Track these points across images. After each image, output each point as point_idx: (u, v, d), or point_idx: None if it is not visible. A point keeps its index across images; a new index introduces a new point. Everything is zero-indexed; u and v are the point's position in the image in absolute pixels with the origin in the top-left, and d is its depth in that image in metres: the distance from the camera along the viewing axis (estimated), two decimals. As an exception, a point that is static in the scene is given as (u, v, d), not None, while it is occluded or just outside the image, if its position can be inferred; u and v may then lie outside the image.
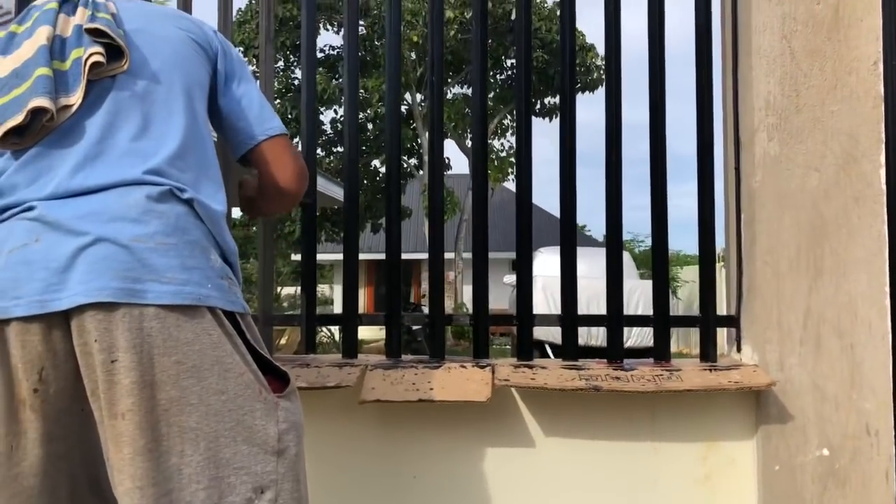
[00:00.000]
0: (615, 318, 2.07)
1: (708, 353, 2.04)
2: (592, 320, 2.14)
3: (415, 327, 16.31)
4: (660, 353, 2.05)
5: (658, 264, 2.07)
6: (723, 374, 1.90)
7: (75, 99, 1.30)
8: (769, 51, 1.93)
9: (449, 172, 17.13)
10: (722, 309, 2.14)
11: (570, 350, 2.08)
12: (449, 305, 18.58)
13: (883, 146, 1.91)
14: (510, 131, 18.13)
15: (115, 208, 1.26)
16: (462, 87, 17.31)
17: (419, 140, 16.96)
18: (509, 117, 17.78)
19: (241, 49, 15.26)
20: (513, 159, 15.64)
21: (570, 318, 2.08)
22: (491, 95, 16.88)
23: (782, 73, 1.93)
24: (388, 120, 2.16)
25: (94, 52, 1.30)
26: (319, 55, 16.90)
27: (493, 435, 2.05)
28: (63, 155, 1.30)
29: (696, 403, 1.95)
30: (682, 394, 1.85)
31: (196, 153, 1.39)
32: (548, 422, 2.04)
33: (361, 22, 15.83)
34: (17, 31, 1.36)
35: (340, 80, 15.49)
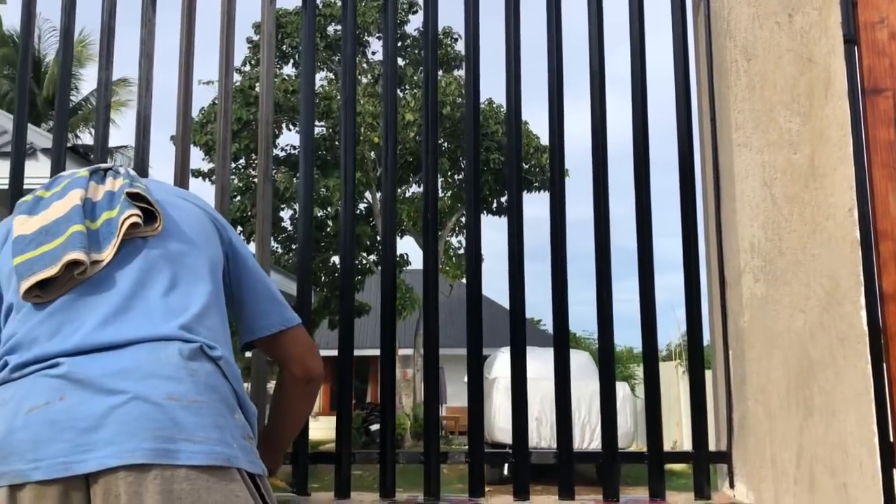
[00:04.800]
0: (610, 454, 2.08)
1: (702, 489, 2.05)
2: (588, 456, 2.15)
3: (373, 428, 16.07)
4: (655, 490, 2.05)
5: (651, 407, 2.10)
6: (721, 514, 1.91)
7: (106, 255, 1.34)
8: (751, 197, 2.03)
9: (408, 268, 17.19)
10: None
11: (565, 486, 2.08)
12: (407, 403, 18.33)
13: (862, 288, 2.00)
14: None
15: (147, 365, 1.26)
16: (420, 186, 17.61)
17: (379, 237, 17.08)
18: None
19: (205, 150, 15.40)
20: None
21: (565, 453, 2.08)
22: (449, 194, 17.20)
23: (765, 219, 2.02)
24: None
25: (132, 214, 1.36)
26: (281, 154, 17.13)
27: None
28: (90, 307, 1.31)
29: (694, 543, 1.96)
30: (684, 537, 1.85)
31: (217, 315, 1.42)
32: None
33: (322, 123, 16.13)
34: (43, 196, 1.42)
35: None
